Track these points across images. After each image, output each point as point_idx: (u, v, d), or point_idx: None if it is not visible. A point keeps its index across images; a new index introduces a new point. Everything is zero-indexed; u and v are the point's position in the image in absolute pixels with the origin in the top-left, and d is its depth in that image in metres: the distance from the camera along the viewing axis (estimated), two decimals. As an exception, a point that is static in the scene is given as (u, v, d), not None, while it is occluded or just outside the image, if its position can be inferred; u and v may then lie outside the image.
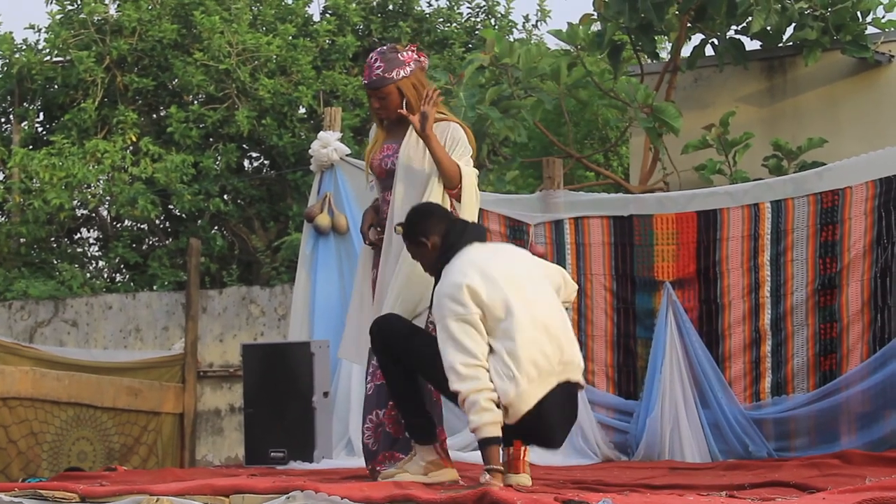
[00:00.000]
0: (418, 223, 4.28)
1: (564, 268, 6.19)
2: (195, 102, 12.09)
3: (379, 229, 4.68)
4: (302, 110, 12.09)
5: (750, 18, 7.57)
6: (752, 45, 8.06)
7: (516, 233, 6.27)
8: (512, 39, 9.90)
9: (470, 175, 4.53)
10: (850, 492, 3.53)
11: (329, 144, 6.79)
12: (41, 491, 4.18)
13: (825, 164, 6.39)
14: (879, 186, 5.66)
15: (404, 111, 4.55)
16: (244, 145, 12.24)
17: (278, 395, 5.95)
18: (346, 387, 6.34)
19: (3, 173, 12.17)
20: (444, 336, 3.97)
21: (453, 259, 4.11)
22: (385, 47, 4.70)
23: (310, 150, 6.93)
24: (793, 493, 3.73)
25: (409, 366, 4.26)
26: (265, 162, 12.77)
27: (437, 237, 4.21)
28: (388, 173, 4.64)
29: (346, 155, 6.81)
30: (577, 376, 4.13)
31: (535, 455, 4.39)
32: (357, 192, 6.61)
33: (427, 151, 4.51)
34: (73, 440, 6.76)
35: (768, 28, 7.63)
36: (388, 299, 4.49)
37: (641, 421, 5.82)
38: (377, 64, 4.57)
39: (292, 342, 6.42)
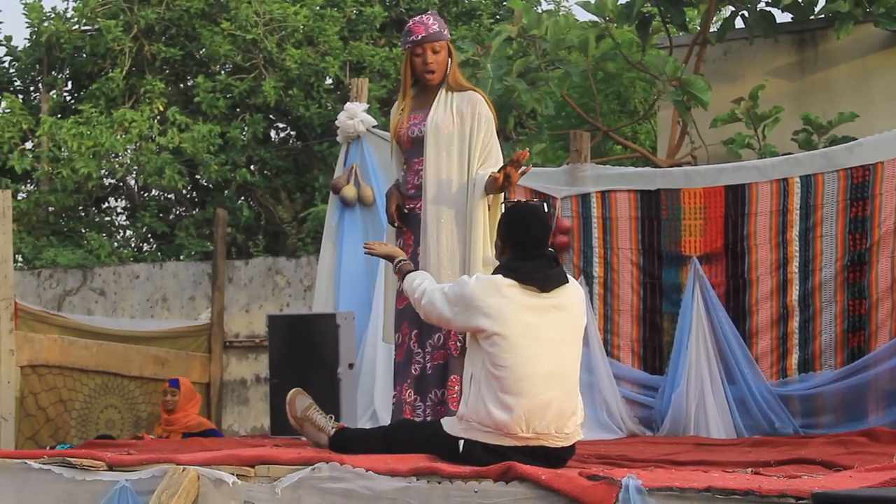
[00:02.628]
0: (517, 224, 4.09)
1: (591, 242, 6.22)
2: (222, 72, 12.11)
3: (407, 209, 4.70)
4: (329, 81, 12.08)
5: (781, -10, 7.48)
6: (782, 17, 7.97)
7: (545, 209, 6.22)
8: (540, 11, 9.81)
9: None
10: (877, 470, 3.51)
11: (356, 116, 6.77)
12: (69, 458, 4.23)
13: (856, 139, 6.30)
14: (910, 162, 5.59)
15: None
16: (271, 116, 12.26)
17: (304, 365, 5.97)
18: (371, 358, 6.35)
19: (32, 142, 12.24)
20: (446, 291, 4.05)
21: (511, 274, 4.00)
22: (430, 11, 4.81)
23: (336, 122, 6.91)
24: (819, 470, 3.71)
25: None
26: (291, 133, 12.79)
27: (508, 252, 4.07)
28: (415, 141, 4.72)
29: (373, 126, 6.79)
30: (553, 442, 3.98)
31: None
32: (383, 164, 6.60)
33: (455, 116, 4.68)
34: (102, 408, 6.83)
35: (800, 0, 7.52)
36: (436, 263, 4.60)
37: (667, 396, 5.80)
38: (431, 20, 4.77)
39: (318, 313, 6.43)
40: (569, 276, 4.10)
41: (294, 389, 4.54)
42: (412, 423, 4.43)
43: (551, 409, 3.90)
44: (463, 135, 4.67)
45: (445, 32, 4.79)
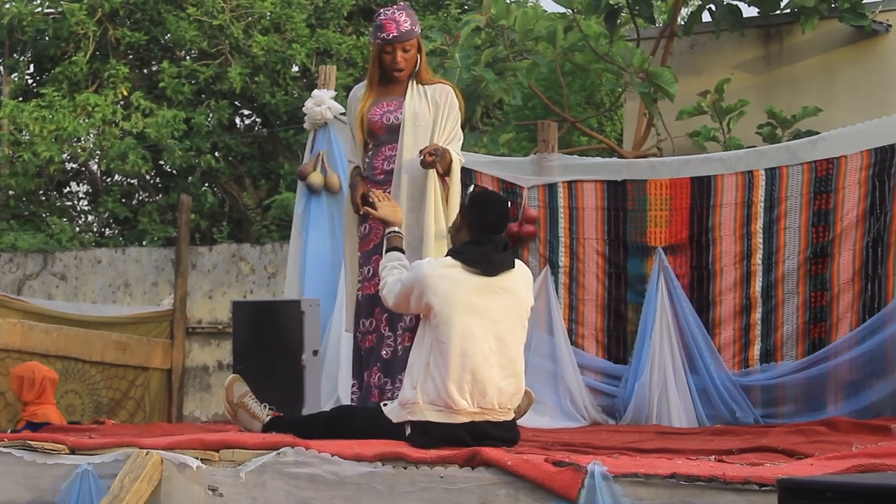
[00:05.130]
0: (476, 206, 4.21)
1: (557, 232, 6.24)
2: (188, 58, 12.01)
3: (371, 194, 4.72)
4: (295, 68, 12.02)
5: (748, -16, 7.53)
6: (749, 11, 8.02)
7: (510, 195, 6.25)
8: (508, 1, 9.83)
9: (459, 164, 4.80)
10: (837, 458, 3.55)
11: (323, 102, 6.75)
12: (31, 442, 4.18)
13: (819, 133, 6.37)
14: (874, 156, 5.65)
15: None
16: (236, 102, 12.18)
17: (268, 352, 5.93)
18: (336, 345, 6.33)
19: (-7, 125, 12.09)
20: (402, 282, 4.16)
21: (458, 256, 4.12)
22: (401, 3, 4.87)
23: (304, 108, 6.88)
24: (780, 458, 3.75)
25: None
26: (257, 120, 12.72)
27: (464, 231, 4.21)
28: (390, 128, 4.76)
29: (341, 114, 6.76)
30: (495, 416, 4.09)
31: (522, 417, 4.41)
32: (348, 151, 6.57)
33: (431, 106, 4.77)
34: (62, 393, 6.77)
35: (766, -6, 7.59)
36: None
37: (630, 385, 5.83)
38: (402, 17, 4.77)
39: (282, 300, 6.40)
40: (517, 261, 4.22)
41: (232, 376, 4.62)
42: (354, 411, 4.48)
43: (494, 384, 4.03)
44: (435, 122, 4.80)
45: (416, 28, 4.81)
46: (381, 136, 4.85)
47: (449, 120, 4.82)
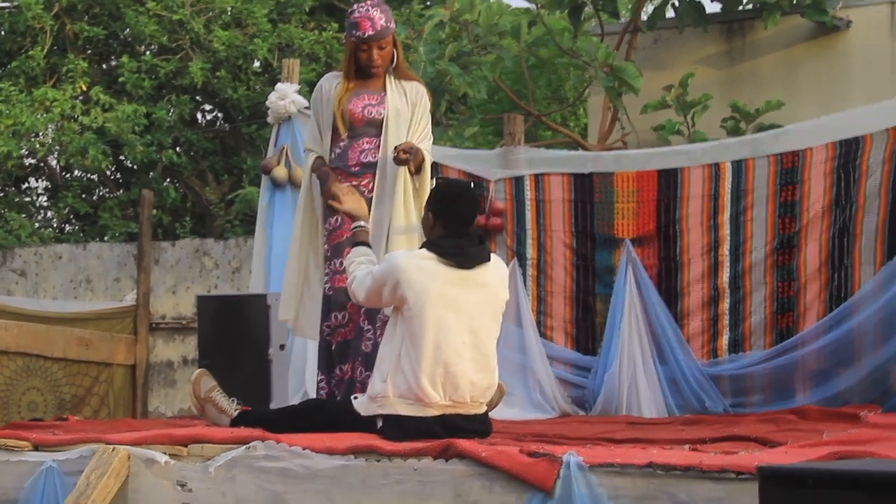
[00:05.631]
0: (443, 198, 4.19)
1: (524, 225, 6.23)
2: (148, 53, 11.88)
3: (348, 185, 4.71)
4: (257, 63, 11.93)
5: (712, -20, 7.57)
6: (712, 7, 8.07)
7: (476, 189, 6.22)
8: (472, -5, 9.79)
9: (429, 162, 4.84)
10: (810, 446, 3.57)
11: (287, 96, 6.70)
12: (-7, 439, 4.10)
13: (782, 127, 6.41)
14: (839, 148, 5.69)
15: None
16: (198, 97, 12.07)
17: (234, 347, 5.88)
18: (303, 340, 6.26)
19: (-52, 120, 11.88)
20: (372, 275, 4.12)
21: (433, 248, 4.09)
22: (373, 0, 4.82)
23: (267, 102, 6.83)
24: (754, 446, 3.76)
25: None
26: (219, 115, 12.61)
27: (439, 226, 4.16)
28: (371, 122, 4.78)
29: (304, 108, 6.71)
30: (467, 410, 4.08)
31: (493, 410, 4.39)
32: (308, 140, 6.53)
33: (409, 104, 4.83)
34: (24, 390, 6.65)
35: (729, -10, 7.62)
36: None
37: (599, 376, 5.83)
38: (378, 14, 4.76)
39: (248, 294, 6.34)
40: (493, 255, 4.20)
41: (199, 370, 4.57)
42: (324, 404, 4.45)
43: (466, 378, 4.01)
44: (411, 120, 4.84)
45: (391, 25, 4.80)
46: (358, 129, 4.84)
47: (423, 120, 4.87)
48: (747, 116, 7.41)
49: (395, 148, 4.68)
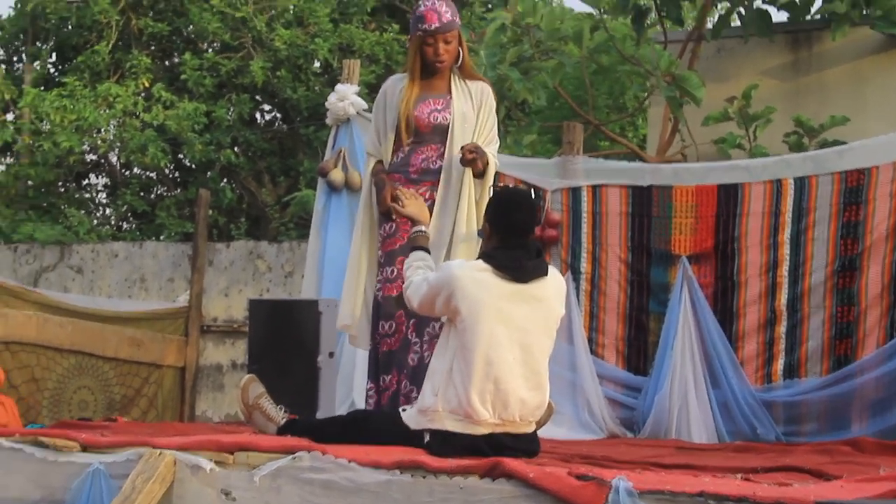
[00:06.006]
0: (501, 209, 4.09)
1: (580, 238, 6.14)
2: (210, 50, 11.97)
3: (399, 191, 4.67)
4: (317, 64, 11.95)
5: (779, -11, 7.42)
6: (779, 16, 7.92)
7: (534, 199, 6.14)
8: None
9: (494, 167, 4.78)
10: (867, 481, 3.45)
11: (346, 98, 6.66)
12: (42, 438, 4.12)
13: (846, 143, 6.26)
14: (907, 167, 5.54)
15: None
16: (257, 97, 12.12)
17: (283, 352, 5.87)
18: (352, 348, 6.24)
19: (14, 114, 12.06)
20: (428, 282, 4.05)
21: (489, 260, 4.03)
22: None
23: (326, 103, 6.80)
24: (807, 478, 3.65)
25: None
26: (278, 115, 12.66)
27: (496, 237, 4.09)
28: (437, 128, 4.72)
29: (363, 110, 6.68)
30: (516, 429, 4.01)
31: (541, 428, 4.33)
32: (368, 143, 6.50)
33: (475, 108, 4.77)
34: (75, 388, 6.71)
35: (796, 0, 7.47)
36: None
37: (649, 398, 5.73)
38: (444, 8, 4.72)
39: (300, 299, 6.33)
40: (550, 268, 4.10)
41: (248, 376, 4.54)
42: (371, 415, 4.40)
43: (516, 395, 3.94)
44: (477, 123, 4.79)
45: (457, 20, 4.76)
46: (424, 135, 4.80)
47: (488, 122, 4.80)
48: (811, 131, 7.26)
49: (462, 148, 4.63)
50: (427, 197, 4.73)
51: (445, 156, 4.75)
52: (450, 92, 4.77)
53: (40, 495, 4.04)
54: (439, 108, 4.76)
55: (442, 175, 4.76)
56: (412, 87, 4.77)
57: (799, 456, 4.47)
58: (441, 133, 4.76)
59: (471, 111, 4.77)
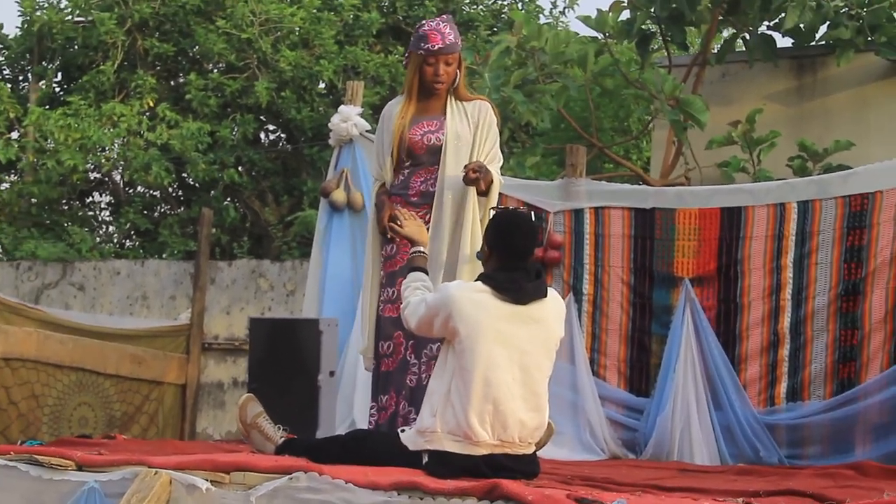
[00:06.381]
0: (500, 231, 4.10)
1: (582, 259, 6.13)
2: (215, 71, 11.99)
3: (398, 212, 4.65)
4: (322, 85, 11.97)
5: (783, 15, 7.44)
6: (783, 42, 7.94)
7: (536, 220, 6.12)
8: (540, 23, 9.74)
9: (498, 186, 4.76)
10: (870, 506, 3.42)
11: (349, 119, 6.66)
12: (37, 456, 4.10)
13: (851, 168, 6.25)
14: (911, 192, 5.51)
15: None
16: (262, 117, 12.14)
17: (283, 371, 5.85)
18: (353, 367, 6.23)
19: (18, 132, 12.08)
20: (426, 303, 4.05)
21: (488, 282, 4.01)
22: (445, 17, 4.83)
23: (329, 124, 6.80)
24: (810, 503, 3.62)
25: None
26: (282, 135, 12.66)
27: (496, 259, 4.09)
28: (431, 149, 4.70)
29: (366, 131, 6.68)
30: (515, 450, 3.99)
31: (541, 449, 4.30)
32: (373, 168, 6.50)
33: (471, 125, 4.73)
34: (75, 405, 6.68)
35: (801, 25, 7.49)
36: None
37: (651, 419, 5.70)
38: (447, 30, 4.73)
39: (300, 318, 6.31)
40: (550, 290, 4.10)
41: (246, 395, 4.54)
42: (370, 435, 4.38)
43: (515, 417, 3.92)
44: (474, 142, 4.76)
45: (459, 43, 4.77)
46: (420, 157, 4.78)
47: (488, 139, 4.76)
48: (815, 156, 7.25)
49: (465, 167, 4.61)
50: (427, 219, 4.71)
51: (438, 178, 4.72)
52: (444, 113, 4.75)
53: (35, 513, 4.01)
54: (433, 129, 4.75)
55: (435, 198, 4.73)
56: (408, 105, 4.77)
57: (802, 479, 4.43)
58: (436, 154, 4.74)
59: (466, 130, 4.73)
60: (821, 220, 5.69)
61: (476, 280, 4.09)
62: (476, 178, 4.59)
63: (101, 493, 3.90)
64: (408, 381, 4.63)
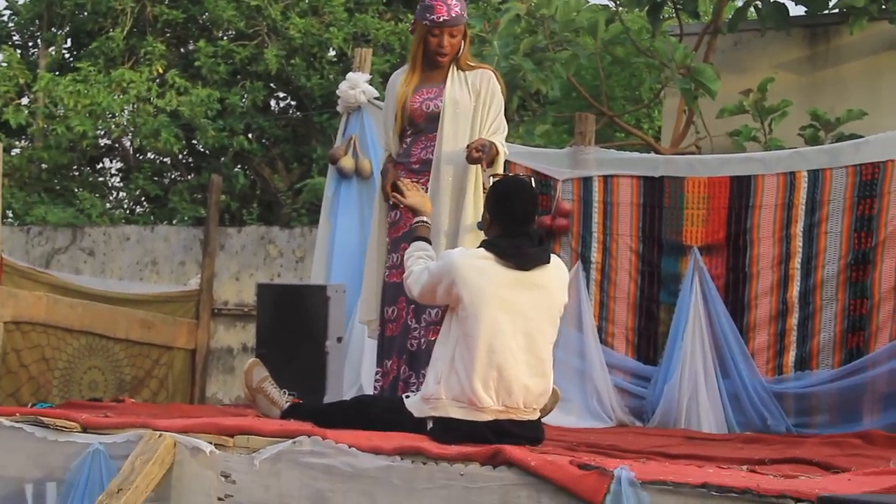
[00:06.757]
0: (500, 198, 4.09)
1: (590, 227, 6.10)
2: (224, 38, 11.96)
3: (400, 181, 4.64)
4: (332, 52, 11.93)
5: (797, -18, 7.36)
6: (796, 10, 7.86)
7: (543, 188, 6.11)
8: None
9: (503, 157, 4.72)
10: (875, 474, 3.41)
11: (357, 86, 6.64)
12: (43, 418, 4.12)
13: (863, 137, 6.19)
14: (922, 161, 5.47)
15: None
16: (271, 84, 12.11)
17: (291, 337, 5.85)
18: (360, 333, 6.22)
19: (28, 97, 12.08)
20: (429, 271, 4.05)
21: (491, 248, 4.00)
22: None
23: (337, 91, 6.78)
24: (815, 471, 3.61)
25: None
26: (292, 102, 12.64)
27: (498, 225, 4.08)
28: (429, 116, 4.69)
29: (374, 98, 6.66)
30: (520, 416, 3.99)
31: (547, 416, 4.30)
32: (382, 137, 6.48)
33: (472, 93, 4.69)
34: (85, 369, 6.71)
35: (815, -7, 7.41)
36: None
37: (659, 387, 5.68)
38: (454, 2, 4.70)
39: (308, 284, 6.31)
40: (553, 256, 4.08)
41: (252, 360, 4.56)
42: (375, 401, 4.39)
43: (520, 382, 3.92)
44: (476, 110, 4.72)
45: (465, 14, 4.74)
46: (419, 124, 4.77)
47: (492, 109, 4.72)
48: (827, 125, 7.19)
49: (468, 146, 4.60)
50: (428, 187, 4.71)
51: (436, 144, 4.70)
52: (445, 81, 4.73)
53: (40, 474, 4.05)
54: (432, 96, 4.74)
55: (433, 165, 4.71)
56: (412, 75, 4.76)
57: (808, 448, 4.42)
58: (434, 121, 4.73)
59: (466, 98, 4.70)
60: (831, 189, 5.64)
61: (479, 247, 4.08)
62: (479, 157, 4.57)
63: (105, 454, 3.92)
64: (408, 346, 4.65)
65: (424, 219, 4.42)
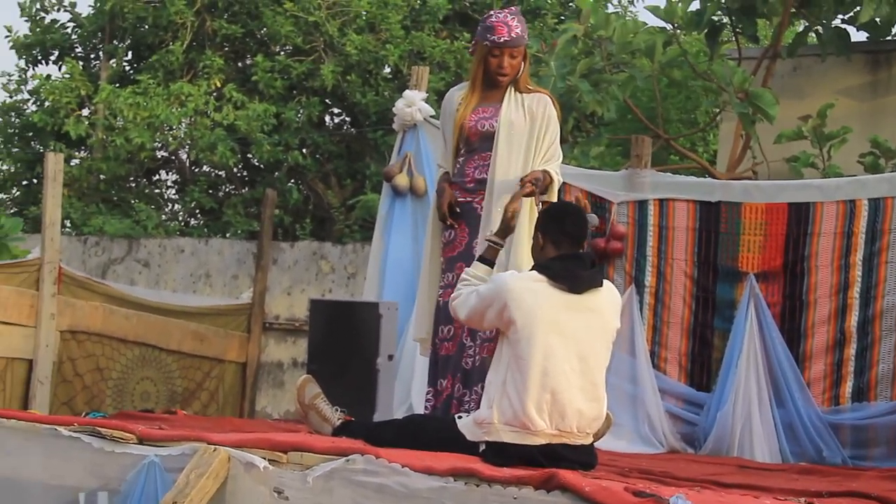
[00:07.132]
0: (552, 219, 4.11)
1: (645, 251, 6.07)
2: (281, 53, 12.06)
3: (462, 202, 4.64)
4: (387, 69, 11.98)
5: (858, 8, 7.29)
6: (857, 35, 7.77)
7: (598, 210, 6.09)
8: (608, 12, 9.65)
9: (557, 185, 4.72)
10: (936, 511, 3.35)
11: (414, 104, 6.67)
12: (100, 429, 4.16)
13: (925, 166, 6.12)
14: None
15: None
16: (327, 100, 12.19)
17: (342, 353, 5.87)
18: (412, 351, 6.24)
19: (89, 109, 12.26)
20: (479, 293, 4.04)
21: (544, 271, 3.99)
22: (513, 9, 4.79)
23: (394, 109, 6.81)
24: (873, 505, 3.55)
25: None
26: (346, 118, 12.71)
27: (548, 247, 4.08)
28: (484, 136, 4.68)
29: (431, 116, 6.68)
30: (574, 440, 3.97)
31: (599, 440, 4.27)
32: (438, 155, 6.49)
33: (527, 116, 4.68)
34: (138, 379, 6.79)
35: (877, 19, 7.33)
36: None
37: (712, 414, 5.63)
38: (514, 23, 4.70)
39: (361, 301, 6.33)
40: (605, 280, 4.08)
41: (305, 376, 4.57)
42: (427, 421, 4.38)
43: (574, 406, 3.90)
44: (532, 134, 4.70)
45: (525, 36, 4.76)
46: (474, 143, 4.77)
47: (547, 135, 4.71)
48: (888, 153, 7.10)
49: (522, 179, 4.58)
50: (482, 207, 4.71)
51: (490, 164, 4.68)
52: (501, 101, 4.73)
53: (97, 484, 4.08)
54: (487, 116, 4.74)
55: (487, 185, 4.69)
56: (472, 96, 4.76)
57: (865, 481, 4.35)
58: (489, 140, 4.73)
59: (521, 120, 4.69)
60: (892, 218, 5.57)
61: (531, 270, 4.07)
62: (532, 191, 4.55)
63: (160, 467, 3.95)
64: (463, 364, 4.64)
65: (500, 241, 4.40)
